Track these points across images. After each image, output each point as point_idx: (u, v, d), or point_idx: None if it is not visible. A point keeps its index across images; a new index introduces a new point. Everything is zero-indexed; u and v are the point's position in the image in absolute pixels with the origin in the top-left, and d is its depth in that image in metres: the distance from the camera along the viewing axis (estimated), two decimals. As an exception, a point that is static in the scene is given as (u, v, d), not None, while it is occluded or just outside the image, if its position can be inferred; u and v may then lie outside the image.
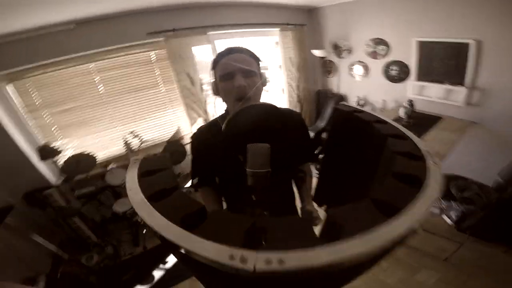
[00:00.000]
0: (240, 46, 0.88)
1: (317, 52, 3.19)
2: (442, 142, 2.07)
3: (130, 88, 2.78)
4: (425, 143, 0.52)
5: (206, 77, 2.97)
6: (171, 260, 2.38)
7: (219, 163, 0.92)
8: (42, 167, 2.59)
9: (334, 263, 0.26)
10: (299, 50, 3.40)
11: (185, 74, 2.81)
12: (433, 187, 0.35)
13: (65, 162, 2.47)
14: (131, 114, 2.90)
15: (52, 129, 2.61)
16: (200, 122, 3.13)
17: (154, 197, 0.37)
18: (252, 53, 0.88)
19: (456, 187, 1.99)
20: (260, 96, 0.89)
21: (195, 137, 1.01)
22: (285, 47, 3.30)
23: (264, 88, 0.91)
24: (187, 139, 3.15)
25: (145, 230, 2.70)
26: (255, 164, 0.57)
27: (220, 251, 0.27)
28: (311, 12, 3.46)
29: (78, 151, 2.58)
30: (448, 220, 2.10)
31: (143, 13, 2.38)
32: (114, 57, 2.59)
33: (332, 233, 0.28)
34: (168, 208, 0.34)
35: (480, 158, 2.43)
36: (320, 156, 1.05)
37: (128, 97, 2.81)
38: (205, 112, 3.12)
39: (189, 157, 2.66)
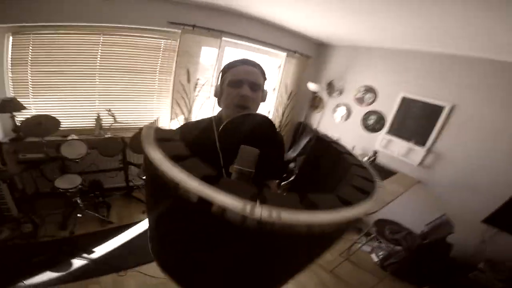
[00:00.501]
0: (254, 60, 0.95)
1: (312, 86, 3.42)
2: (388, 191, 2.35)
3: (127, 68, 2.76)
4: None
5: (202, 79, 3.02)
6: (100, 250, 2.21)
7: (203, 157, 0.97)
8: (-5, 119, 2.34)
9: (316, 223, 0.34)
10: (297, 79, 3.63)
11: (185, 69, 2.85)
12: (377, 198, 0.48)
13: (26, 119, 2.27)
14: (116, 92, 2.82)
15: (26, 85, 2.42)
16: (181, 119, 3.11)
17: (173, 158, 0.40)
18: (263, 69, 0.96)
19: (389, 230, 2.37)
20: (257, 108, 0.95)
21: (183, 127, 1.03)
22: (285, 73, 3.51)
23: (262, 101, 0.99)
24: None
25: (79, 214, 2.48)
26: (244, 163, 0.63)
27: (235, 201, 0.33)
28: (320, 47, 3.75)
29: (44, 112, 2.40)
30: (375, 258, 2.69)
31: (169, 1, 2.46)
32: (127, 35, 2.60)
33: (309, 207, 0.37)
34: (191, 168, 0.38)
35: (416, 211, 2.76)
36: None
37: (121, 75, 2.76)
38: (189, 111, 3.12)
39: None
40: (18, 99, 2.31)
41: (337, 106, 3.55)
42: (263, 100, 0.98)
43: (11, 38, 2.23)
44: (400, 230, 2.36)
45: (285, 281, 0.63)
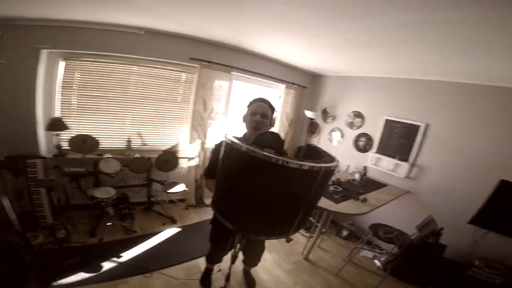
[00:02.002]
0: (266, 98, 1.61)
1: (309, 113, 3.98)
2: (377, 199, 2.81)
3: (154, 96, 3.29)
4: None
5: (216, 107, 3.60)
6: (127, 255, 2.49)
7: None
8: (42, 136, 2.79)
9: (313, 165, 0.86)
10: (296, 107, 4.24)
11: (202, 99, 3.38)
12: (333, 163, 0.97)
13: (73, 137, 2.73)
14: (144, 118, 3.32)
15: (72, 107, 2.92)
16: (198, 143, 3.61)
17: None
18: (271, 105, 1.61)
19: (383, 231, 2.74)
20: (267, 129, 1.55)
21: (217, 146, 1.61)
22: (285, 102, 4.11)
23: (271, 126, 1.61)
24: (181, 154, 3.57)
25: (109, 223, 2.84)
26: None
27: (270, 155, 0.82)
28: (315, 78, 4.41)
29: (82, 132, 2.86)
30: (378, 263, 3.02)
31: (191, 39, 3.07)
32: (154, 68, 3.17)
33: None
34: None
35: (407, 216, 3.14)
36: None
37: (149, 103, 3.28)
38: (205, 136, 3.63)
39: (177, 169, 2.90)
40: (62, 119, 2.79)
41: (332, 130, 4.13)
42: (272, 125, 1.62)
43: (62, 62, 2.76)
44: (391, 231, 2.73)
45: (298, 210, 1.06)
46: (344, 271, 2.71)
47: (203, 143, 3.62)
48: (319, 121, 4.36)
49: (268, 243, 2.99)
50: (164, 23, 2.61)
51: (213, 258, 2.12)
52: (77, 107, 2.94)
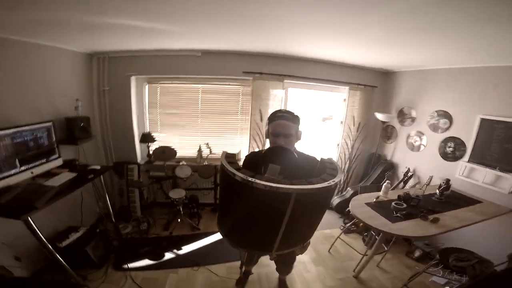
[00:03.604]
0: (288, 111, 1.55)
1: (381, 116, 3.60)
2: (458, 219, 2.31)
3: (218, 110, 3.83)
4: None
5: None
6: (186, 249, 2.97)
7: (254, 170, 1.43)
8: (138, 147, 3.72)
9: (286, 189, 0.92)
10: (364, 110, 3.90)
11: (258, 110, 3.65)
12: (315, 185, 0.99)
13: (156, 148, 3.54)
14: (211, 129, 3.91)
15: (157, 123, 3.80)
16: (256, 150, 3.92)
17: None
18: (296, 119, 1.54)
19: (456, 258, 2.18)
20: (292, 145, 1.55)
21: (248, 155, 1.76)
22: (350, 105, 3.86)
23: (298, 139, 1.57)
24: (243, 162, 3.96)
25: (180, 219, 3.44)
26: (270, 173, 1.16)
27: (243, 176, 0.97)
28: (385, 75, 3.97)
29: (166, 144, 3.63)
30: None
31: (242, 54, 3.41)
32: (216, 84, 3.72)
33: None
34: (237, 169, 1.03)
35: (501, 240, 2.49)
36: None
37: (215, 116, 3.85)
38: (263, 144, 3.88)
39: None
40: (151, 134, 3.65)
41: (412, 134, 3.60)
42: (299, 139, 1.58)
43: (147, 86, 3.64)
44: (469, 257, 2.15)
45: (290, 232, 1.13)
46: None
47: (261, 151, 3.88)
48: (395, 124, 3.86)
49: (317, 254, 2.97)
50: (215, 43, 3.02)
51: (248, 261, 2.29)
52: (160, 122, 3.80)
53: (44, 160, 2.25)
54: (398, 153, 3.85)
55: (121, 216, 3.39)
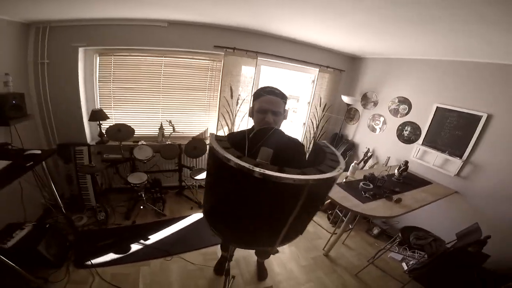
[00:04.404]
0: (276, 88, 1.39)
1: (346, 99, 3.75)
2: (415, 199, 2.60)
3: (184, 85, 3.53)
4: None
5: (243, 95, 3.66)
6: (154, 238, 2.80)
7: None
8: (87, 126, 3.25)
9: (279, 177, 0.72)
10: (331, 92, 4.04)
11: (229, 87, 3.50)
12: (329, 174, 0.85)
13: (110, 127, 3.12)
14: (175, 106, 3.62)
15: (109, 99, 3.33)
16: (225, 130, 3.78)
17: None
18: (284, 95, 1.40)
19: (414, 236, 2.51)
20: (279, 125, 1.42)
21: (228, 136, 1.51)
22: (318, 87, 3.95)
23: (284, 119, 1.44)
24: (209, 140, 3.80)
25: (142, 206, 3.22)
26: (262, 157, 0.95)
27: (247, 165, 0.74)
28: (353, 60, 4.12)
29: (121, 121, 3.22)
30: (405, 267, 2.81)
31: (214, 27, 3.14)
32: (182, 58, 3.39)
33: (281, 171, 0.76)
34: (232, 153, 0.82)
35: (449, 220, 2.91)
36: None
37: (179, 92, 3.55)
38: (233, 123, 3.77)
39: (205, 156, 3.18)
40: (103, 110, 3.19)
41: (373, 117, 3.86)
42: (285, 118, 1.45)
43: (98, 58, 3.13)
44: (426, 236, 2.49)
45: (282, 222, 0.99)
46: (365, 272, 2.66)
47: (230, 130, 3.78)
48: (358, 107, 4.10)
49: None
50: (184, 14, 2.71)
51: (226, 247, 2.23)
52: (114, 98, 3.34)
53: None
54: (359, 134, 4.13)
55: (73, 206, 3.01)
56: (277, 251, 1.42)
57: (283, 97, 1.39)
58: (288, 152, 1.30)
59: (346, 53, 3.97)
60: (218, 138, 0.95)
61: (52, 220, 2.74)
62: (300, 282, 2.51)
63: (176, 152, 3.47)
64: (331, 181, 0.89)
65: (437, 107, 3.12)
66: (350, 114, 4.22)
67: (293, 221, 0.97)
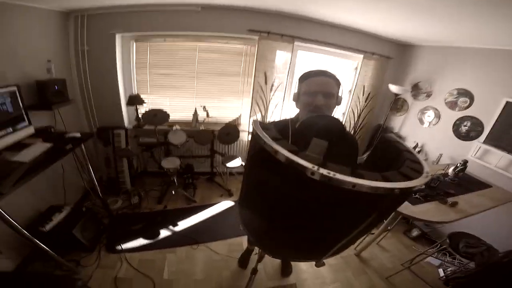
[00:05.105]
0: (328, 70, 1.18)
1: (394, 88, 3.40)
2: (472, 204, 2.25)
3: (218, 71, 3.49)
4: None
5: (277, 81, 3.50)
6: (182, 225, 2.86)
7: None
8: (125, 111, 3.39)
9: (355, 183, 0.58)
10: (376, 81, 3.70)
11: (263, 72, 3.36)
12: (419, 180, 0.68)
13: (146, 112, 3.22)
14: (209, 91, 3.60)
15: (146, 84, 3.43)
16: (258, 117, 3.69)
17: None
18: (337, 78, 1.19)
19: (465, 243, 2.21)
20: (331, 112, 1.19)
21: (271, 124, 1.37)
22: (362, 75, 3.63)
23: (337, 104, 1.21)
24: (242, 127, 3.75)
25: (174, 191, 3.30)
26: (314, 151, 0.76)
27: (309, 164, 0.61)
28: (403, 48, 3.70)
29: (156, 106, 3.29)
30: (441, 273, 2.61)
31: (248, 11, 2.99)
32: (216, 43, 3.32)
33: (358, 176, 0.59)
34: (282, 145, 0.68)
35: (509, 228, 2.56)
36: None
37: (213, 77, 3.52)
38: (266, 109, 3.66)
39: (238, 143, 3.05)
40: (140, 95, 3.32)
41: (425, 109, 3.45)
42: (338, 104, 1.22)
43: (134, 44, 3.21)
44: (478, 244, 2.20)
45: (340, 234, 0.84)
46: (397, 276, 2.47)
47: (264, 117, 3.67)
48: (408, 97, 3.69)
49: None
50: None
51: (252, 241, 2.16)
52: (151, 84, 3.43)
53: (10, 130, 1.94)
54: (407, 127, 3.74)
55: (109, 189, 3.21)
56: (323, 264, 1.09)
57: (336, 80, 1.20)
58: (343, 147, 1.07)
59: (394, 39, 3.55)
60: (264, 126, 0.80)
61: (90, 203, 2.92)
62: (326, 282, 2.42)
63: (209, 137, 3.48)
64: (411, 191, 0.69)
65: (507, 102, 2.65)
66: (397, 104, 3.82)
67: (356, 234, 0.83)
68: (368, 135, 4.17)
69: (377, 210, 0.69)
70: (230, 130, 3.49)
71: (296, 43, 3.26)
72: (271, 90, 3.54)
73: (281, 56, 3.36)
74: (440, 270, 2.66)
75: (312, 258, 1.02)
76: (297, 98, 1.26)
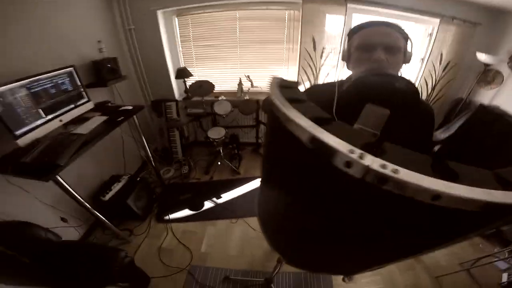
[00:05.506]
0: (389, 21, 0.87)
1: (484, 57, 2.65)
2: None
3: (260, 39, 3.27)
4: None
5: (329, 48, 3.06)
6: (225, 197, 2.98)
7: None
8: (174, 83, 3.59)
9: (439, 193, 0.28)
10: (457, 49, 2.90)
11: (311, 37, 2.98)
12: None
13: (192, 84, 3.33)
14: (253, 61, 3.46)
15: (192, 57, 3.49)
16: (307, 85, 3.40)
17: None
18: (401, 29, 0.87)
19: None
20: (397, 72, 0.87)
21: (310, 90, 1.06)
22: (439, 41, 2.87)
23: (406, 64, 0.90)
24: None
25: (219, 162, 3.47)
26: (366, 122, 0.54)
27: (343, 144, 0.32)
28: (496, 13, 2.75)
29: (203, 78, 3.39)
30: (505, 278, 2.17)
31: None
32: (256, 9, 3.06)
33: (443, 174, 0.30)
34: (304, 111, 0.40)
35: None
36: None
37: (256, 46, 3.33)
38: (316, 78, 3.32)
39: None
40: (187, 68, 3.39)
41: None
42: (406, 62, 0.90)
43: (176, 19, 3.22)
44: None
45: (378, 261, 0.61)
46: (451, 277, 2.13)
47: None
48: (503, 68, 2.77)
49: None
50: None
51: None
52: (196, 56, 3.47)
53: (72, 106, 2.17)
54: (501, 102, 2.92)
55: (164, 159, 3.60)
56: (352, 279, 0.89)
57: (401, 31, 0.87)
58: (415, 120, 0.84)
59: (484, 2, 2.58)
60: (285, 84, 0.54)
61: (146, 173, 3.33)
62: (365, 274, 2.16)
63: (254, 107, 3.47)
64: None
65: None
66: (488, 76, 2.94)
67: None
68: (444, 109, 3.44)
69: (469, 234, 0.42)
70: (275, 101, 3.36)
71: (349, 5, 2.70)
72: (321, 56, 3.15)
73: (332, 20, 2.88)
74: (504, 275, 2.21)
75: (343, 272, 0.85)
76: (347, 56, 0.95)
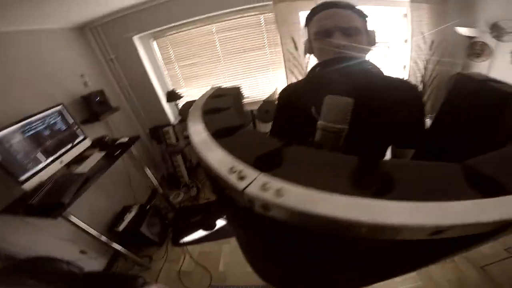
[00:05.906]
0: (341, 0, 0.80)
1: (465, 31, 2.61)
2: None
3: (240, 48, 3.31)
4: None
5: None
6: None
7: (295, 120, 0.84)
8: (167, 107, 3.65)
9: (355, 223, 0.19)
10: (436, 26, 2.84)
11: (290, 38, 3.01)
12: None
13: (182, 105, 3.42)
14: (238, 71, 3.50)
15: (179, 78, 3.56)
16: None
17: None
18: (356, 8, 0.81)
19: None
20: (362, 52, 0.80)
21: (283, 91, 1.01)
22: (416, 21, 2.84)
23: (370, 49, 0.82)
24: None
25: None
26: (329, 117, 0.49)
27: (224, 162, 0.26)
28: None
29: (194, 98, 3.44)
30: None
31: None
32: (231, 19, 3.12)
33: (380, 187, 0.21)
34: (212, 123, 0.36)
35: None
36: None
37: (239, 56, 3.37)
38: (305, 76, 3.33)
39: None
40: (175, 90, 3.46)
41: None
42: (371, 44, 0.83)
43: (154, 42, 3.31)
44: None
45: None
46: (498, 265, 1.90)
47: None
48: (487, 39, 2.69)
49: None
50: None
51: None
52: (182, 76, 3.56)
53: (69, 146, 2.18)
54: (496, 72, 2.83)
55: (171, 184, 3.63)
56: None
57: (356, 10, 0.81)
58: (388, 101, 0.75)
59: None
60: (217, 94, 0.51)
61: (157, 200, 3.35)
62: None
63: (248, 118, 3.50)
64: None
65: None
66: (475, 49, 2.87)
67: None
68: (443, 89, 3.34)
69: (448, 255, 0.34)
70: (268, 107, 3.38)
71: (320, -3, 2.70)
72: (304, 55, 3.16)
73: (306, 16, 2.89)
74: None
75: None
76: (309, 46, 0.88)
